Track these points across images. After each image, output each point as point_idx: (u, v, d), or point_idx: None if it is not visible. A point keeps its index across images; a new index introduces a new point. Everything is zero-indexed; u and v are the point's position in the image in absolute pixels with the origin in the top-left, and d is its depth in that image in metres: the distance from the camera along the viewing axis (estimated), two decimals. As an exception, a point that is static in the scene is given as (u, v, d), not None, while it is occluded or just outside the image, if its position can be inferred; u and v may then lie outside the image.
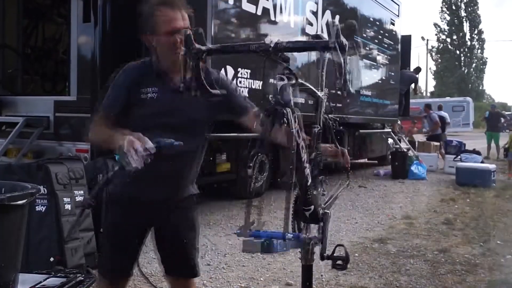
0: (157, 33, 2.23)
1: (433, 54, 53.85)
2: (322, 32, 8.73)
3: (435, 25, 54.26)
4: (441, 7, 54.00)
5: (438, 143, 13.93)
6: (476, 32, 53.52)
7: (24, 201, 1.58)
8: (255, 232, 2.02)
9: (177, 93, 2.22)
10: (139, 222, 2.37)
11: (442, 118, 14.78)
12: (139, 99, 2.27)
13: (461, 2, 53.24)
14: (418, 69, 14.99)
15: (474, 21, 53.32)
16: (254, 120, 2.47)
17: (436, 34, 54.19)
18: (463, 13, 53.45)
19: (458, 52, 53.93)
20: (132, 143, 1.96)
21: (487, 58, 53.56)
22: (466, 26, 53.48)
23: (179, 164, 2.30)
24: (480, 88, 57.78)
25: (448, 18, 53.65)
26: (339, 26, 1.79)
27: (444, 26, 53.79)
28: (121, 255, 2.39)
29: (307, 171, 2.13)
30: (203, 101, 2.27)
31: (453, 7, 53.23)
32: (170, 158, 2.17)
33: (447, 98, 37.61)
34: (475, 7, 53.31)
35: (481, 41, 53.59)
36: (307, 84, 2.50)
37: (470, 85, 53.95)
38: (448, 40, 54.11)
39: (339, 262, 2.12)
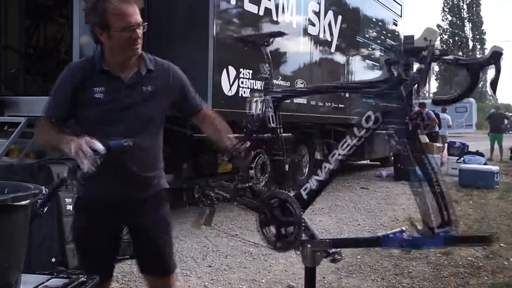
0: (112, 28, 2.13)
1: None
2: (324, 32, 8.73)
3: (438, 26, 54.19)
4: (443, 8, 54.03)
5: (441, 145, 13.92)
6: (477, 32, 53.47)
7: (27, 201, 1.57)
8: None
9: (127, 90, 2.22)
10: (109, 224, 2.34)
11: (438, 115, 14.80)
12: (87, 98, 2.20)
13: (463, 2, 53.22)
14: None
15: (476, 22, 53.26)
16: (205, 119, 2.48)
17: (439, 35, 54.15)
18: (465, 14, 53.42)
19: (460, 53, 53.87)
20: (80, 146, 1.93)
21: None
22: (468, 27, 53.44)
23: (139, 164, 2.26)
24: (483, 89, 57.66)
25: (449, 18, 53.62)
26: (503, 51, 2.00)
27: (446, 27, 53.79)
28: (96, 259, 2.34)
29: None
30: (154, 97, 2.27)
31: (455, 9, 53.20)
32: (128, 157, 2.16)
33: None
34: (478, 8, 53.28)
35: (483, 42, 53.49)
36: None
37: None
38: (450, 40, 54.04)
39: (336, 256, 2.20)
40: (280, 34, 2.45)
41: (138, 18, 2.15)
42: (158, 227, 2.39)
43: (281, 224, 2.22)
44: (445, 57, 2.07)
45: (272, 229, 2.25)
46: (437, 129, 14.40)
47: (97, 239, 2.33)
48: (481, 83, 2.14)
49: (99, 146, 1.95)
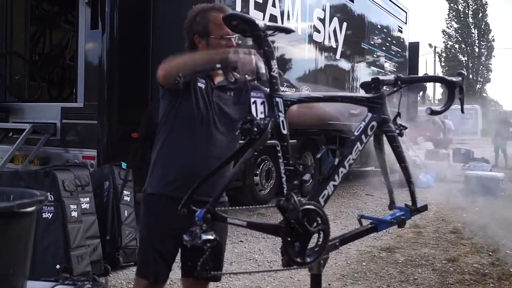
0: (212, 35, 2.37)
1: (442, 60, 53.56)
2: (329, 39, 8.73)
3: (443, 31, 54.04)
4: (448, 14, 53.91)
5: (447, 151, 13.89)
6: (484, 39, 53.28)
7: (33, 208, 1.57)
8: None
9: (216, 91, 2.44)
10: (178, 223, 2.24)
11: (443, 122, 14.78)
12: (187, 90, 2.36)
13: (468, 9, 53.12)
14: (426, 77, 14.93)
15: (483, 28, 53.08)
16: (299, 109, 2.56)
17: (444, 42, 54.07)
18: (471, 20, 53.28)
19: (465, 59, 53.65)
20: (255, 54, 2.17)
21: (490, 64, 53.25)
22: (475, 34, 53.27)
23: (218, 162, 2.26)
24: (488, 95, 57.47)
25: (455, 25, 53.49)
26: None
27: (452, 33, 53.62)
28: (162, 259, 2.39)
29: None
30: (238, 103, 2.47)
31: (461, 15, 53.10)
32: (211, 155, 2.33)
33: (455, 106, 37.43)
34: (484, 14, 53.11)
35: (491, 49, 53.21)
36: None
37: (478, 93, 53.59)
38: (456, 46, 53.84)
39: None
40: (286, 30, 2.26)
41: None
42: (220, 234, 2.30)
43: (310, 237, 2.08)
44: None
45: (300, 245, 2.05)
46: (441, 136, 14.37)
47: (166, 238, 2.37)
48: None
49: (263, 64, 2.13)
